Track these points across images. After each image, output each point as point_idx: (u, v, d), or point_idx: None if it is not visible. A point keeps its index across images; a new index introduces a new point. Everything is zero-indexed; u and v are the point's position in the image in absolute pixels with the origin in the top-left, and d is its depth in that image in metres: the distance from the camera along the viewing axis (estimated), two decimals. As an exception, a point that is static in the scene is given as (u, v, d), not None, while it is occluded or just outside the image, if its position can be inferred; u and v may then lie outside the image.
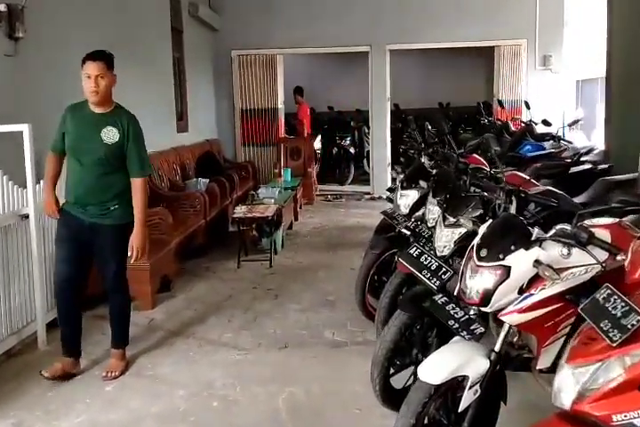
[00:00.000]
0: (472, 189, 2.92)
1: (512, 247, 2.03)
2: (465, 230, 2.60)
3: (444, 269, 2.63)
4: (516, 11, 9.08)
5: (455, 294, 2.42)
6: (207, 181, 6.57)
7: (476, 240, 2.13)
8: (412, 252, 2.80)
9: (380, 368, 2.66)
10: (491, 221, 2.20)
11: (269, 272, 5.38)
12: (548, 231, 2.11)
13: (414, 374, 2.78)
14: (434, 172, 3.87)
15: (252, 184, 8.74)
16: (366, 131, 10.97)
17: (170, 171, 6.73)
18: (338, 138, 11.12)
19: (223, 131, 9.62)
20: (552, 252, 2.04)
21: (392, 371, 2.76)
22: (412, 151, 4.46)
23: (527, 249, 2.02)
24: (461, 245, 2.65)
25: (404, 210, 3.78)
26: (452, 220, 2.66)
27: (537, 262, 1.99)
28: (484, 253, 2.06)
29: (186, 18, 8.06)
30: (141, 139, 3.36)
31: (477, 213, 2.63)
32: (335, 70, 12.24)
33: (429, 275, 2.64)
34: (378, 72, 9.39)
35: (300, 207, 8.28)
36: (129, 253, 3.29)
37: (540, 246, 2.03)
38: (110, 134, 3.20)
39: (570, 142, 6.45)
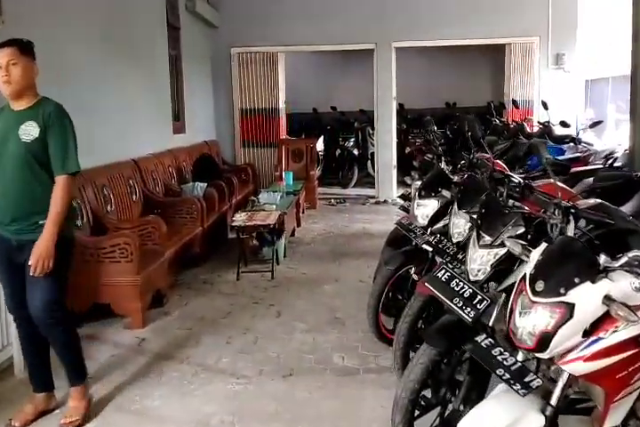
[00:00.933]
0: (510, 201, 2.53)
1: (576, 280, 1.64)
2: (504, 252, 2.21)
3: (479, 298, 2.24)
4: (529, 7, 8.70)
5: (495, 331, 2.04)
6: (205, 185, 6.18)
7: (529, 269, 1.74)
8: (440, 275, 2.40)
9: (404, 413, 2.27)
10: (545, 245, 1.80)
11: (271, 285, 4.98)
12: (615, 257, 1.74)
13: (441, 416, 2.41)
14: (455, 179, 3.49)
15: (252, 188, 8.35)
16: (370, 132, 10.59)
17: (165, 174, 6.34)
18: (341, 139, 10.73)
19: (222, 132, 9.23)
20: (624, 285, 1.65)
21: (416, 413, 2.37)
22: (431, 156, 4.06)
23: (594, 282, 1.64)
24: (499, 269, 2.26)
25: (422, 221, 3.40)
26: (488, 239, 2.27)
27: (607, 299, 1.61)
28: (540, 286, 1.68)
29: (183, 14, 7.66)
30: (67, 131, 2.74)
31: (518, 232, 2.24)
32: (338, 69, 11.87)
33: (462, 304, 2.24)
34: (383, 70, 9.00)
35: (303, 212, 7.89)
36: (30, 262, 2.63)
37: (608, 278, 1.65)
38: (28, 130, 2.65)
39: (590, 145, 6.06)
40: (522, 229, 2.24)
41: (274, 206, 5.90)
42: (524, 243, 1.99)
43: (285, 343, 3.76)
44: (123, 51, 5.71)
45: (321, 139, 10.71)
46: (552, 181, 3.02)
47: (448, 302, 2.28)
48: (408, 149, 10.34)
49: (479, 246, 2.27)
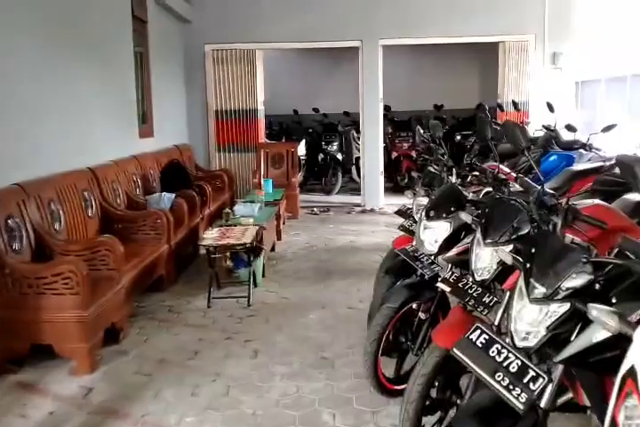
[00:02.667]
0: (568, 237, 1.91)
1: None
2: (566, 309, 1.59)
3: (531, 373, 1.61)
4: (523, 3, 8.18)
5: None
6: (172, 196, 5.49)
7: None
8: (473, 337, 1.76)
9: None
10: None
11: (247, 314, 4.31)
12: None
13: None
14: (470, 196, 2.87)
15: (227, 196, 7.69)
16: (355, 135, 9.98)
17: (129, 184, 5.63)
18: (324, 143, 10.08)
19: (195, 135, 8.53)
20: None
21: None
22: (437, 167, 3.43)
23: None
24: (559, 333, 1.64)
25: (431, 248, 2.78)
26: (542, 291, 1.64)
27: None
28: None
29: (151, 6, 6.97)
30: None
31: (584, 282, 1.61)
32: (321, 68, 11.23)
33: (508, 382, 1.61)
34: (369, 70, 8.39)
35: (284, 223, 7.23)
36: None
37: None
38: None
39: (599, 150, 5.49)
40: (589, 278, 1.62)
41: (251, 220, 5.24)
42: (612, 310, 1.36)
43: (263, 394, 3.10)
44: (76, 44, 5.01)
45: (302, 143, 10.05)
46: (599, 202, 2.43)
47: (488, 378, 1.64)
48: (395, 154, 9.78)
49: (530, 300, 1.64)
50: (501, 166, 3.61)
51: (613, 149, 5.89)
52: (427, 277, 2.81)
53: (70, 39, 4.90)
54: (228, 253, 4.69)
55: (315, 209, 8.40)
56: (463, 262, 2.64)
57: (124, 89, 6.13)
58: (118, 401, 3.07)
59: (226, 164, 8.55)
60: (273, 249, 6.13)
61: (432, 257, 2.84)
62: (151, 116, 6.95)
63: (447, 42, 8.50)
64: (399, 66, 10.61)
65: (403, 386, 2.96)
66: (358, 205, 8.72)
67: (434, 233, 2.76)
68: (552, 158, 5.25)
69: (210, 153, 8.59)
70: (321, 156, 10.07)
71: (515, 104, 7.10)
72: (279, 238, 6.60)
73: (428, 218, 2.79)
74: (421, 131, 10.60)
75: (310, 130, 10.70)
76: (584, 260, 1.60)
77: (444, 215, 2.74)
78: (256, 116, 8.52)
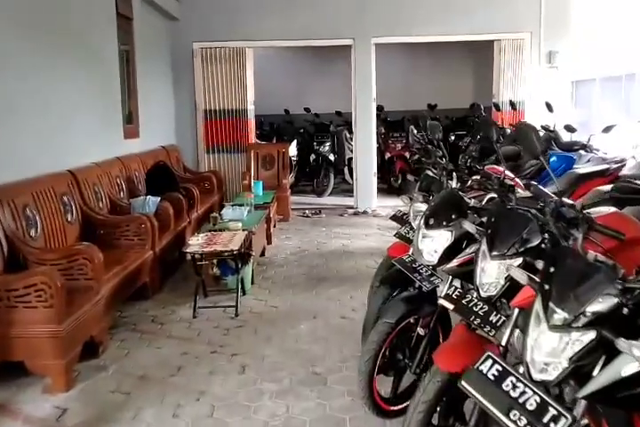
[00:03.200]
0: (591, 254, 1.71)
1: None
2: (592, 337, 1.39)
3: (552, 412, 1.41)
4: (519, 0, 7.99)
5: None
6: (157, 199, 5.26)
7: None
8: (484, 369, 1.56)
9: None
10: None
11: (235, 324, 4.10)
12: None
13: None
14: (472, 202, 2.67)
15: (216, 198, 7.47)
16: (347, 135, 9.77)
17: (112, 187, 5.40)
18: (315, 143, 9.86)
19: (183, 136, 8.29)
20: None
21: None
22: (436, 171, 3.23)
23: None
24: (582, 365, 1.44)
25: (430, 258, 2.58)
26: (562, 316, 1.44)
27: None
28: None
29: (137, 3, 6.74)
30: None
31: (610, 306, 1.42)
32: (313, 66, 11.03)
33: (526, 422, 1.41)
34: (362, 69, 8.19)
35: (274, 226, 7.02)
36: None
37: None
38: None
39: (601, 152, 5.32)
40: (616, 301, 1.42)
41: (239, 224, 5.02)
42: None
43: (251, 415, 2.88)
44: (58, 42, 4.78)
45: (294, 143, 9.84)
46: (615, 210, 2.24)
47: (503, 417, 1.44)
48: (388, 155, 9.58)
49: (549, 327, 1.44)
50: (494, 166, 3.43)
51: (612, 149, 5.72)
52: (425, 289, 2.61)
53: (52, 37, 4.68)
54: (214, 261, 4.47)
55: (306, 211, 8.18)
56: (465, 274, 2.45)
57: (108, 88, 5.90)
58: (94, 423, 2.85)
59: (215, 165, 8.32)
60: (263, 254, 5.92)
61: (431, 268, 2.64)
62: (137, 116, 6.72)
63: (441, 40, 8.31)
64: (392, 65, 10.43)
65: (400, 406, 2.77)
66: (351, 208, 8.52)
67: (433, 242, 2.56)
68: (552, 160, 5.06)
69: (198, 154, 8.36)
70: (313, 156, 9.86)
71: (512, 104, 6.92)
72: (269, 242, 6.39)
73: (427, 226, 2.58)
74: (415, 131, 10.43)
75: (302, 130, 10.49)
76: (618, 286, 1.39)
77: (445, 224, 2.54)
78: (246, 116, 8.31)
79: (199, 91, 8.21)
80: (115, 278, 4.00)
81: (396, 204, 8.72)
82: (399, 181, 9.52)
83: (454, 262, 2.51)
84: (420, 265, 2.67)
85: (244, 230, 4.89)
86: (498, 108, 7.34)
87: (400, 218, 3.60)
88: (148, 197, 5.27)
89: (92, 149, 5.36)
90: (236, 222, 5.06)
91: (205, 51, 8.14)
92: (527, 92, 8.13)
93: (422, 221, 2.62)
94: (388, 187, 9.55)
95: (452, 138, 9.69)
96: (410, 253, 2.81)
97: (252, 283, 4.94)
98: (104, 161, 5.48)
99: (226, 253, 4.23)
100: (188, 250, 4.23)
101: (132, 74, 6.64)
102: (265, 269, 5.45)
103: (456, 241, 2.53)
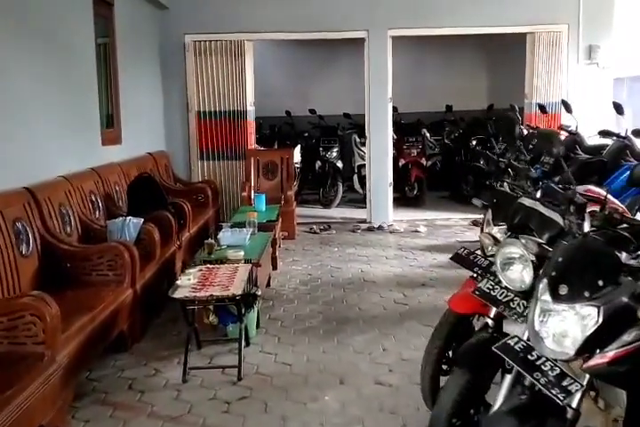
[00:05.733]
0: None
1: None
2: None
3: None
4: (555, -12, 7.08)
5: None
6: (140, 221, 4.27)
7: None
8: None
9: None
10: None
11: (238, 394, 3.10)
12: None
13: None
14: (632, 262, 1.69)
15: (212, 213, 6.50)
16: (357, 140, 8.81)
17: (84, 206, 4.41)
18: (322, 149, 8.87)
19: (174, 140, 7.30)
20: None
21: None
22: (536, 200, 2.25)
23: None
24: None
25: (559, 349, 1.65)
26: None
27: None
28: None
29: (119, -15, 5.76)
30: None
31: None
32: (319, 63, 10.06)
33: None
34: (377, 65, 7.23)
35: (279, 246, 6.05)
36: None
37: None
38: None
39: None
40: None
41: (241, 253, 4.06)
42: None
43: None
44: (18, 32, 3.80)
45: (297, 148, 8.85)
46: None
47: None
48: (402, 161, 8.62)
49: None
50: (610, 197, 2.48)
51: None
52: (560, 401, 1.62)
53: (10, 26, 3.70)
54: (211, 306, 3.49)
55: (314, 227, 7.20)
56: (621, 376, 1.49)
57: (81, 87, 4.91)
58: None
59: (210, 174, 7.34)
60: (268, 284, 4.95)
61: (561, 363, 1.66)
62: (118, 118, 5.73)
63: (468, 33, 7.36)
64: (401, 62, 9.48)
65: None
66: (363, 222, 7.54)
67: (567, 324, 1.59)
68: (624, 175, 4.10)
69: (191, 161, 7.36)
70: (318, 163, 8.87)
71: (541, 108, 6.04)
72: (275, 268, 5.41)
73: (556, 297, 1.61)
74: (427, 134, 9.45)
75: (306, 134, 9.52)
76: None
77: (587, 294, 1.57)
78: (245, 117, 7.32)
79: (192, 89, 7.22)
80: (79, 335, 3.00)
81: (414, 216, 7.79)
82: (415, 191, 8.56)
83: (605, 357, 1.54)
84: (539, 358, 1.69)
85: (246, 261, 3.93)
86: (544, 110, 6.36)
87: (467, 259, 2.60)
88: (129, 218, 4.27)
89: (59, 160, 4.37)
90: (236, 251, 4.09)
91: (199, 44, 7.15)
92: (564, 92, 7.18)
93: (544, 287, 1.65)
94: (401, 196, 8.57)
95: (474, 143, 8.74)
96: (491, 312, 1.84)
97: (258, 327, 3.96)
98: (75, 174, 4.49)
99: (226, 300, 3.24)
100: (176, 295, 3.23)
101: (112, 70, 5.66)
102: (272, 306, 4.47)
103: (604, 322, 1.56)
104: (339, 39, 7.57)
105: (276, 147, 9.22)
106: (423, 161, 8.68)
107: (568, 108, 5.58)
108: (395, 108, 8.50)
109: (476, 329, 2.54)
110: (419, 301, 4.55)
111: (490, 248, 2.34)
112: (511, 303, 2.07)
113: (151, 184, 4.94)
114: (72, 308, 3.12)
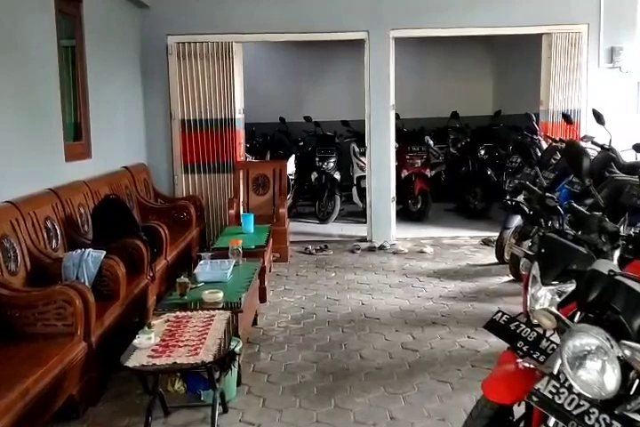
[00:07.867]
0: None
1: None
2: None
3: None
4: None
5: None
6: (102, 255, 3.61)
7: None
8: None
9: None
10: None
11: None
12: None
13: None
14: None
15: (195, 233, 5.86)
16: (356, 149, 8.16)
17: (36, 237, 3.74)
18: (318, 159, 8.22)
19: (155, 152, 6.65)
20: None
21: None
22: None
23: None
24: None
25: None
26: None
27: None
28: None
29: (90, -19, 5.11)
30: None
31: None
32: (315, 66, 9.44)
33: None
34: (378, 68, 6.59)
35: (270, 270, 5.40)
36: None
37: None
38: None
39: None
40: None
41: (220, 295, 3.42)
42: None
43: None
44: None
45: (292, 158, 8.21)
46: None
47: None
48: (405, 173, 7.97)
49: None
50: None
51: None
52: None
53: None
54: (178, 374, 2.83)
55: (309, 247, 6.54)
56: None
57: (39, 95, 4.25)
58: None
59: (195, 188, 6.68)
60: (255, 322, 4.29)
61: None
62: (87, 129, 5.07)
63: (480, 34, 6.74)
64: (401, 65, 8.86)
65: None
66: (363, 240, 6.89)
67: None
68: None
69: (174, 175, 6.71)
70: (314, 175, 8.21)
71: (566, 118, 5.41)
72: (263, 300, 4.76)
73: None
74: (431, 142, 8.78)
75: (301, 143, 8.87)
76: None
77: None
78: (233, 126, 6.66)
79: (175, 96, 6.57)
80: (17, 403, 2.35)
81: (418, 234, 7.15)
82: (419, 205, 7.91)
83: None
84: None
85: (225, 307, 3.28)
86: (569, 120, 5.72)
87: (506, 329, 1.94)
88: (87, 251, 3.61)
89: (6, 182, 3.71)
90: (214, 291, 3.44)
91: (183, 46, 6.50)
92: (584, 99, 6.54)
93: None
94: (403, 209, 7.92)
95: (482, 152, 8.11)
96: None
97: (239, 384, 3.30)
98: (26, 197, 3.82)
99: (194, 368, 2.58)
100: (130, 363, 2.56)
101: (80, 75, 5.01)
102: (257, 353, 3.82)
103: None
104: (336, 40, 6.97)
105: (268, 157, 8.58)
106: (427, 172, 8.05)
107: (600, 120, 4.95)
108: (397, 115, 7.87)
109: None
110: (430, 345, 3.90)
111: (551, 333, 1.69)
112: (586, 418, 1.42)
113: (119, 208, 4.27)
114: (5, 373, 2.49)
